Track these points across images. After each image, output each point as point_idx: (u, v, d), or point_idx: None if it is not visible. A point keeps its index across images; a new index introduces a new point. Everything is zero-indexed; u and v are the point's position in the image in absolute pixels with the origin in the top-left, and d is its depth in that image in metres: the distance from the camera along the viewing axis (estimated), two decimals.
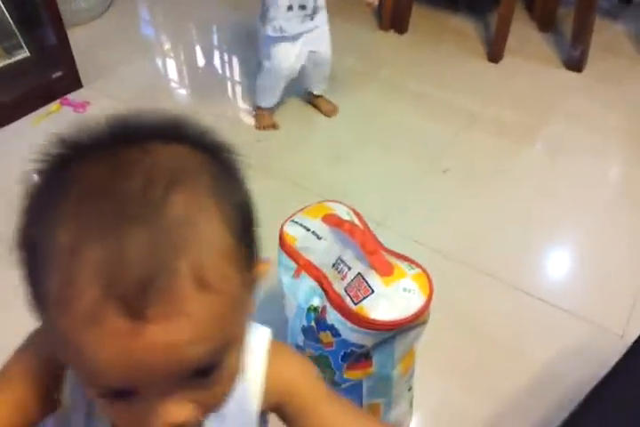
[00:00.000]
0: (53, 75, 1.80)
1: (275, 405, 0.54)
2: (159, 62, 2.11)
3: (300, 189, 1.50)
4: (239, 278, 0.39)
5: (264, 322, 0.55)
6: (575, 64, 1.98)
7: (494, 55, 2.03)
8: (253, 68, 1.77)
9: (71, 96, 1.80)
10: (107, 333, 0.34)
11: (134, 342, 0.34)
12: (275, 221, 0.90)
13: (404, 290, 0.81)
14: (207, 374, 0.39)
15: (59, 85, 1.80)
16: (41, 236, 0.37)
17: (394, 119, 1.77)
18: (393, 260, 0.85)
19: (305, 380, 0.55)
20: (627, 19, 2.30)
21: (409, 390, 0.98)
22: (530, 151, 1.71)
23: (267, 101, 1.73)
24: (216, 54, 2.15)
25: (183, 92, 2.00)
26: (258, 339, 0.53)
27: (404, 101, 1.84)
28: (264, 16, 1.55)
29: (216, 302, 0.37)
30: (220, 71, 2.07)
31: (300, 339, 0.90)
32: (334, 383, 0.89)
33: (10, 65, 1.78)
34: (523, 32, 2.16)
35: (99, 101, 1.79)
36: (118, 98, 1.81)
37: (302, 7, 1.52)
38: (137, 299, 0.34)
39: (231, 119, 1.82)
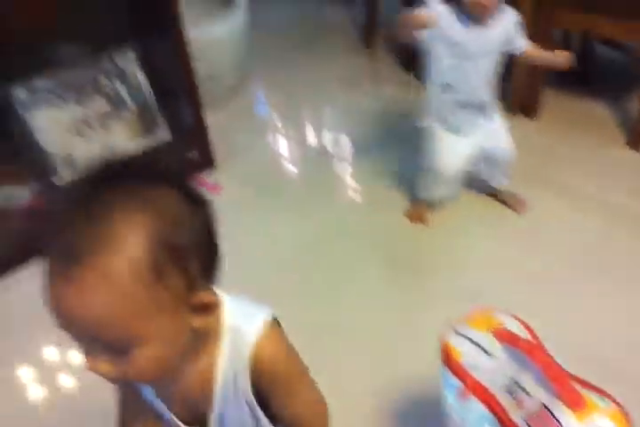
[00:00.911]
0: (189, 155, 1.87)
1: (257, 380, 0.62)
2: (281, 143, 2.16)
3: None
4: (142, 288, 0.50)
5: None
6: None
7: (634, 141, 1.92)
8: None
9: (206, 176, 1.85)
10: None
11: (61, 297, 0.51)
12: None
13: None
14: (119, 353, 0.53)
15: (194, 165, 1.87)
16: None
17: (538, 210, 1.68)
18: (579, 389, 0.74)
19: (283, 359, 0.64)
20: None
21: None
22: None
23: (424, 194, 1.69)
24: (331, 135, 2.17)
25: (298, 176, 2.02)
26: (254, 320, 0.63)
27: (545, 190, 1.75)
28: (428, 107, 1.54)
29: (110, 298, 0.50)
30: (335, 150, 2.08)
31: None
32: None
33: (151, 145, 1.87)
34: None
35: (231, 185, 1.84)
36: (246, 182, 1.86)
37: (478, 106, 1.49)
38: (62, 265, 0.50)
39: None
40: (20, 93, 1.66)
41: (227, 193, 1.81)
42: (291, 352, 0.66)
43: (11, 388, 1.33)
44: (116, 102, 1.83)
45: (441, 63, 1.44)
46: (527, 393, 0.76)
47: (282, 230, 1.70)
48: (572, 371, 0.76)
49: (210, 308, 0.59)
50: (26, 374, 1.36)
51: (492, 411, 0.77)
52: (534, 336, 0.83)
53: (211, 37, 2.11)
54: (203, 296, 0.57)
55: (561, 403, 0.72)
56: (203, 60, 1.96)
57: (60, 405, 1.29)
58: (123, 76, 1.83)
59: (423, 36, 1.39)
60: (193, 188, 0.59)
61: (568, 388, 0.73)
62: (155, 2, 1.65)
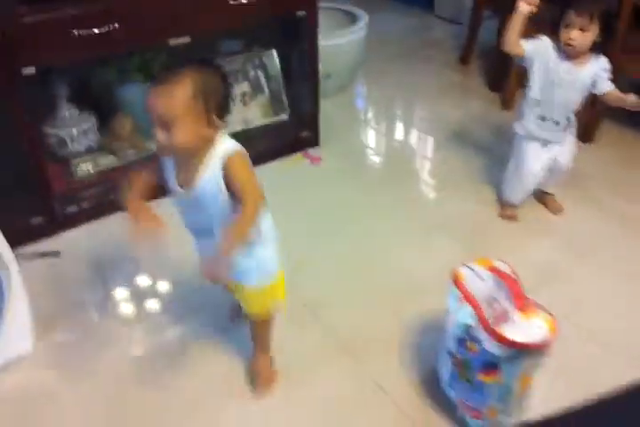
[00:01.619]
0: (302, 134, 2.41)
1: (225, 175, 1.14)
2: (372, 135, 2.66)
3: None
4: (191, 106, 1.09)
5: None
6: None
7: None
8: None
9: (311, 151, 2.39)
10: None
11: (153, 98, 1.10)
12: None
13: (536, 326, 1.17)
14: (168, 129, 1.09)
15: (304, 141, 2.40)
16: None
17: (593, 230, 2.04)
18: (531, 304, 1.21)
19: (239, 169, 1.15)
20: None
21: (521, 408, 1.31)
22: None
23: (512, 198, 2.04)
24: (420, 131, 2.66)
25: (382, 159, 2.51)
26: (234, 148, 1.16)
27: (576, 201, 2.15)
28: (520, 115, 1.91)
29: (176, 101, 1.08)
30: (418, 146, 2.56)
31: (454, 346, 1.29)
32: (469, 381, 1.26)
33: (275, 122, 2.43)
34: None
35: (328, 159, 2.37)
36: (341, 158, 2.38)
37: (556, 123, 1.85)
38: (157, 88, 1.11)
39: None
40: None
41: (325, 164, 2.36)
42: (245, 168, 1.16)
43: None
44: (256, 87, 2.39)
45: (535, 81, 1.83)
46: (499, 303, 1.23)
47: (356, 196, 2.20)
48: None
49: (215, 128, 1.14)
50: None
51: (475, 311, 1.24)
52: (514, 273, 1.29)
53: (336, 46, 2.64)
54: (213, 120, 1.13)
55: (516, 309, 1.19)
56: (325, 62, 2.49)
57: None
58: (264, 68, 2.40)
59: (527, 52, 1.79)
60: (221, 71, 1.18)
61: (522, 301, 1.20)
62: (298, 19, 2.18)
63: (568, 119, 1.87)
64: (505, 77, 2.74)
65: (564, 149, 1.94)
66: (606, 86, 1.79)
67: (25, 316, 1.50)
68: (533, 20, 1.81)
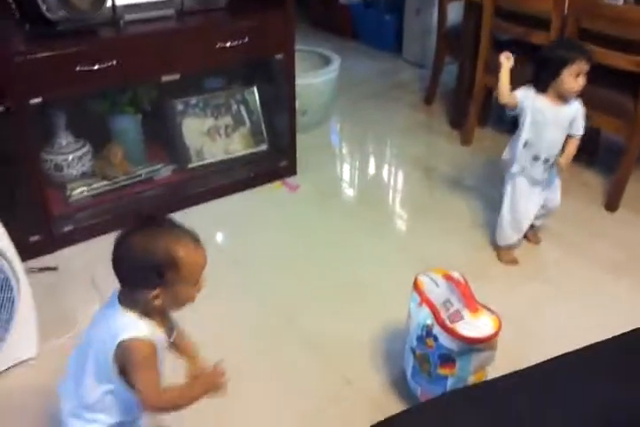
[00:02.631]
0: (280, 163, 2.63)
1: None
2: (345, 166, 2.90)
3: None
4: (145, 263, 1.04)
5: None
6: None
7: (611, 206, 2.53)
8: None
9: (288, 180, 2.61)
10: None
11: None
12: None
13: (483, 323, 1.37)
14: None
15: (282, 171, 2.62)
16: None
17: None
18: (479, 306, 1.42)
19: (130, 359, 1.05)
20: None
21: None
22: (619, 282, 2.14)
23: (510, 240, 2.12)
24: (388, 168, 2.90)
25: (353, 189, 2.74)
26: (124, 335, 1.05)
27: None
28: (512, 158, 2.01)
29: None
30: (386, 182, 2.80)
31: (415, 343, 1.48)
32: (429, 374, 1.44)
33: (255, 152, 2.64)
34: None
35: (304, 186, 2.58)
36: (317, 186, 2.59)
37: (546, 161, 1.97)
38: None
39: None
40: (179, 106, 2.47)
41: (302, 192, 2.58)
42: (136, 357, 1.04)
43: None
44: (238, 120, 2.61)
45: (526, 125, 1.94)
46: (452, 304, 1.42)
47: (331, 220, 2.40)
48: None
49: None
50: None
51: (432, 312, 1.44)
52: (465, 280, 1.50)
53: (311, 85, 2.89)
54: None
55: (466, 309, 1.39)
56: (301, 99, 2.73)
57: None
58: (246, 103, 2.62)
59: (520, 101, 1.93)
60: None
61: (472, 303, 1.40)
62: (277, 61, 2.42)
63: (556, 158, 1.99)
64: (464, 116, 3.01)
65: (554, 187, 2.11)
66: (580, 129, 1.98)
67: (32, 323, 1.64)
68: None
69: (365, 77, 3.83)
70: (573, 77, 1.87)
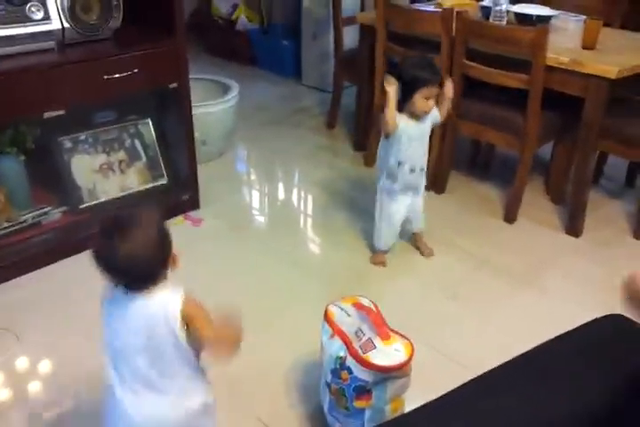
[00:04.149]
0: (182, 197, 2.53)
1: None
2: (252, 195, 2.83)
3: None
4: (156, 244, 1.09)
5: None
6: (574, 231, 2.53)
7: (509, 217, 2.61)
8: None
9: (192, 213, 2.50)
10: None
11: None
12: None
13: (395, 350, 1.34)
14: None
15: (184, 205, 2.51)
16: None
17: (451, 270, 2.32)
18: (391, 332, 1.38)
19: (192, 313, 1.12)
20: (627, 198, 2.86)
21: None
22: (523, 292, 2.20)
23: (380, 244, 2.25)
24: (297, 192, 2.86)
25: (263, 218, 2.68)
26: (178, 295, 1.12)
27: (434, 245, 2.41)
28: (389, 172, 2.10)
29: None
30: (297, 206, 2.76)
31: (329, 377, 1.41)
32: (347, 408, 1.38)
33: (153, 187, 2.52)
34: (538, 202, 2.76)
35: (209, 220, 2.48)
36: (222, 218, 2.50)
37: (421, 169, 2.13)
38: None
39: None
40: (66, 143, 2.32)
41: (206, 225, 2.48)
42: (196, 309, 1.14)
43: None
44: (133, 155, 2.49)
45: (402, 144, 2.03)
46: (363, 333, 1.38)
47: (242, 249, 2.34)
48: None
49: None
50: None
51: (345, 344, 1.38)
52: (375, 306, 1.46)
53: (209, 114, 2.82)
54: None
55: (378, 337, 1.35)
56: (200, 129, 2.66)
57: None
58: (140, 137, 2.51)
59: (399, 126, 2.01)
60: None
61: (383, 330, 1.36)
62: (171, 90, 2.35)
63: (426, 165, 2.16)
64: (366, 138, 3.03)
65: (418, 196, 2.22)
66: (439, 116, 2.11)
67: None
68: None
69: (266, 103, 3.81)
70: (424, 99, 1.97)
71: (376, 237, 2.28)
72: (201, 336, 1.12)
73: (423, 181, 2.22)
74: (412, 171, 2.12)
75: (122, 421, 1.18)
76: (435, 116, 2.10)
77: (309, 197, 2.83)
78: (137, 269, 1.09)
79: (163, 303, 1.11)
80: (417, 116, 2.04)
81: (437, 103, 2.08)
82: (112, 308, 1.16)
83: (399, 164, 2.09)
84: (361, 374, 1.33)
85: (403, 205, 2.19)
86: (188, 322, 1.12)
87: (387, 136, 2.06)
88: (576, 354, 1.21)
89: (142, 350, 1.13)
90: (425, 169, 2.17)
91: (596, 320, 1.32)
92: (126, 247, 1.05)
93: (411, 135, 2.05)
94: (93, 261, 1.08)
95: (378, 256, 2.30)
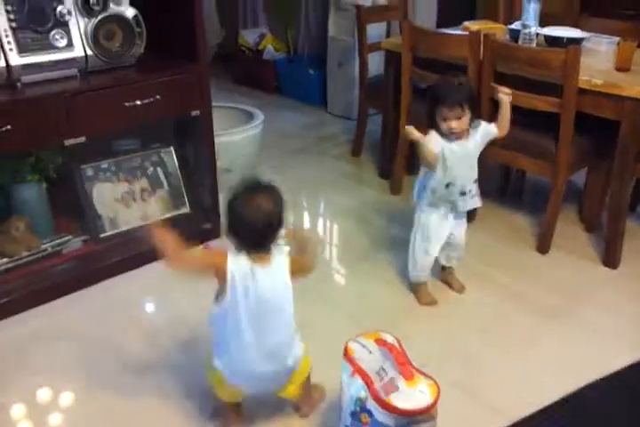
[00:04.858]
0: (203, 226, 2.48)
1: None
2: None
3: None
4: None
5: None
6: (610, 262, 2.40)
7: (542, 248, 2.49)
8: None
9: (212, 243, 2.45)
10: None
11: None
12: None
13: (420, 391, 1.24)
14: None
15: (205, 234, 2.46)
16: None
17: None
18: (415, 371, 1.28)
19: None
20: None
21: None
22: (557, 327, 2.07)
23: (417, 271, 2.12)
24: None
25: None
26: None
27: (464, 277, 2.30)
28: (433, 200, 2.00)
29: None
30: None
31: (349, 420, 1.32)
32: None
33: (175, 216, 2.48)
34: (571, 231, 2.63)
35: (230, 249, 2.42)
36: None
37: (471, 192, 2.00)
38: None
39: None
40: (88, 171, 2.31)
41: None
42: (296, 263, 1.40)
43: None
44: (155, 183, 2.46)
45: (440, 166, 1.93)
46: (386, 372, 1.28)
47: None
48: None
49: None
50: None
51: (365, 383, 1.29)
52: (399, 343, 1.36)
53: (232, 142, 2.79)
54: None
55: (401, 377, 1.25)
56: (224, 157, 2.63)
57: None
58: (163, 165, 2.49)
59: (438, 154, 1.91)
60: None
61: (407, 370, 1.26)
62: (194, 118, 2.32)
63: (472, 188, 2.03)
64: (392, 166, 2.96)
65: (461, 222, 2.10)
66: (493, 128, 1.97)
67: None
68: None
69: (292, 132, 3.78)
70: (444, 121, 1.89)
71: (411, 264, 2.13)
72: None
73: (464, 218, 2.10)
74: (463, 193, 2.00)
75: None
76: (486, 130, 1.97)
77: (336, 226, 2.75)
78: (257, 229, 1.30)
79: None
80: (455, 137, 1.93)
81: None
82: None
83: (447, 185, 1.97)
84: (383, 417, 1.23)
85: (447, 221, 2.06)
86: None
87: (430, 168, 1.96)
88: (616, 400, 1.09)
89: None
90: (475, 194, 2.04)
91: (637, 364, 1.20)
92: (261, 205, 1.29)
93: (452, 155, 1.93)
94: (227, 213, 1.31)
95: (422, 295, 2.15)
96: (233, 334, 1.37)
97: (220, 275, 1.35)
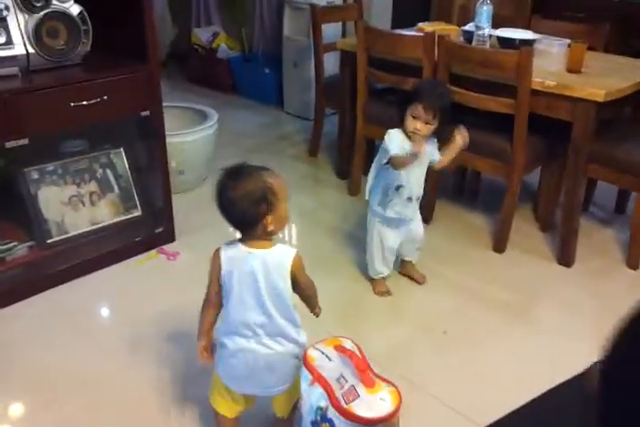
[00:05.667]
0: (156, 230, 2.40)
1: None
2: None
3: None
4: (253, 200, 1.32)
5: None
6: (565, 260, 2.43)
7: (498, 247, 2.51)
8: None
9: (166, 247, 2.37)
10: None
11: None
12: None
13: (381, 399, 1.21)
14: None
15: (158, 238, 2.38)
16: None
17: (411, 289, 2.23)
18: (376, 378, 1.25)
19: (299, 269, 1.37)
20: (618, 226, 2.78)
21: None
22: (515, 326, 2.09)
23: (376, 273, 2.16)
24: None
25: None
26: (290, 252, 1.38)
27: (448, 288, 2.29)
28: (382, 199, 2.01)
29: None
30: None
31: None
32: None
33: (126, 220, 2.40)
34: (527, 230, 2.67)
35: (185, 253, 2.35)
36: (199, 252, 2.37)
37: (417, 199, 2.04)
38: None
39: None
40: (33, 174, 2.20)
41: (182, 259, 2.34)
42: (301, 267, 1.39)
43: None
44: (105, 186, 2.37)
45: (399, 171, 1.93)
46: (346, 380, 1.25)
47: None
48: None
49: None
50: None
51: (326, 391, 1.26)
52: (359, 349, 1.34)
53: (185, 143, 2.72)
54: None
55: (362, 384, 1.22)
56: (177, 158, 2.56)
57: None
58: (112, 167, 2.40)
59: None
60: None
61: (367, 377, 1.23)
62: (144, 118, 2.24)
63: (419, 196, 2.06)
64: (349, 166, 2.94)
65: (417, 219, 2.14)
66: (438, 154, 2.00)
67: None
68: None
69: (248, 131, 3.72)
70: (412, 118, 1.89)
71: (370, 266, 2.18)
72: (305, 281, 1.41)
73: (417, 214, 2.14)
74: (409, 199, 2.02)
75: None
76: (434, 151, 1.98)
77: (293, 226, 2.71)
78: (234, 215, 1.35)
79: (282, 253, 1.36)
80: (413, 139, 1.91)
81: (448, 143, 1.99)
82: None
83: (398, 188, 1.98)
84: (344, 426, 1.20)
85: (398, 229, 2.10)
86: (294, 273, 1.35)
87: (401, 167, 1.93)
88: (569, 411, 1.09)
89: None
90: (419, 198, 2.08)
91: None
92: (231, 192, 1.30)
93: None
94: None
95: (378, 285, 2.20)
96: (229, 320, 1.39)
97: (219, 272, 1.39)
